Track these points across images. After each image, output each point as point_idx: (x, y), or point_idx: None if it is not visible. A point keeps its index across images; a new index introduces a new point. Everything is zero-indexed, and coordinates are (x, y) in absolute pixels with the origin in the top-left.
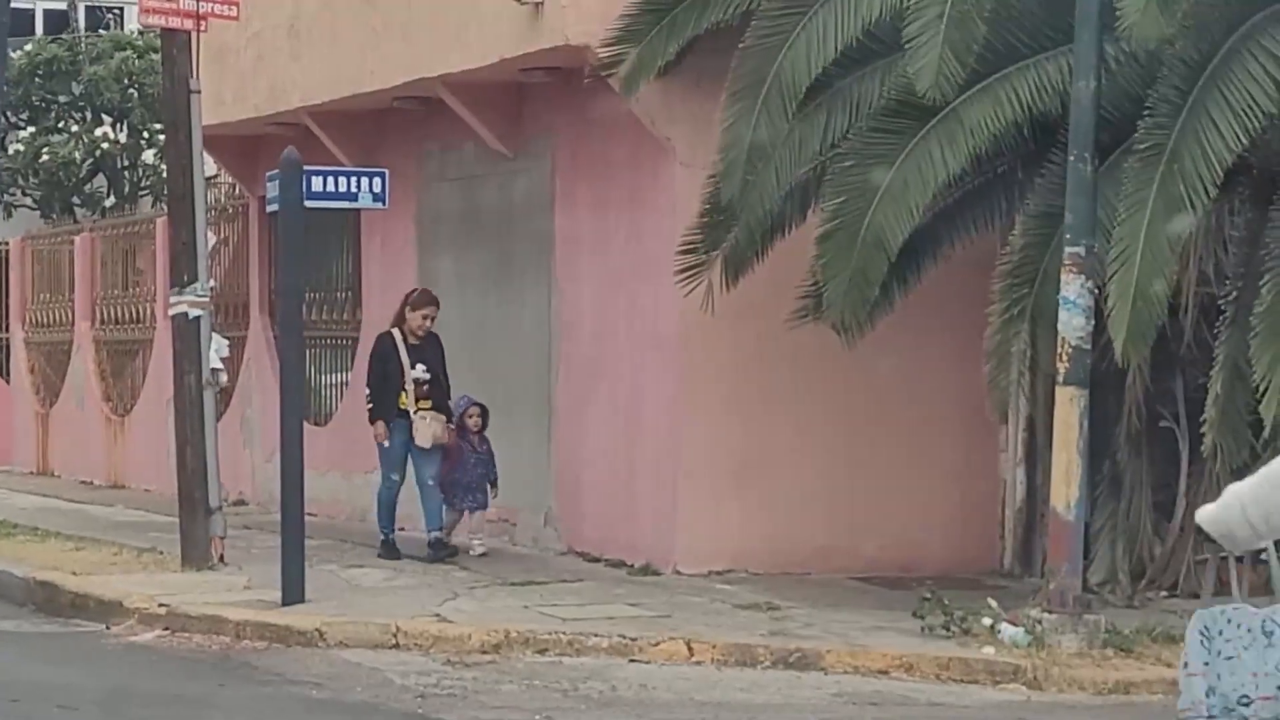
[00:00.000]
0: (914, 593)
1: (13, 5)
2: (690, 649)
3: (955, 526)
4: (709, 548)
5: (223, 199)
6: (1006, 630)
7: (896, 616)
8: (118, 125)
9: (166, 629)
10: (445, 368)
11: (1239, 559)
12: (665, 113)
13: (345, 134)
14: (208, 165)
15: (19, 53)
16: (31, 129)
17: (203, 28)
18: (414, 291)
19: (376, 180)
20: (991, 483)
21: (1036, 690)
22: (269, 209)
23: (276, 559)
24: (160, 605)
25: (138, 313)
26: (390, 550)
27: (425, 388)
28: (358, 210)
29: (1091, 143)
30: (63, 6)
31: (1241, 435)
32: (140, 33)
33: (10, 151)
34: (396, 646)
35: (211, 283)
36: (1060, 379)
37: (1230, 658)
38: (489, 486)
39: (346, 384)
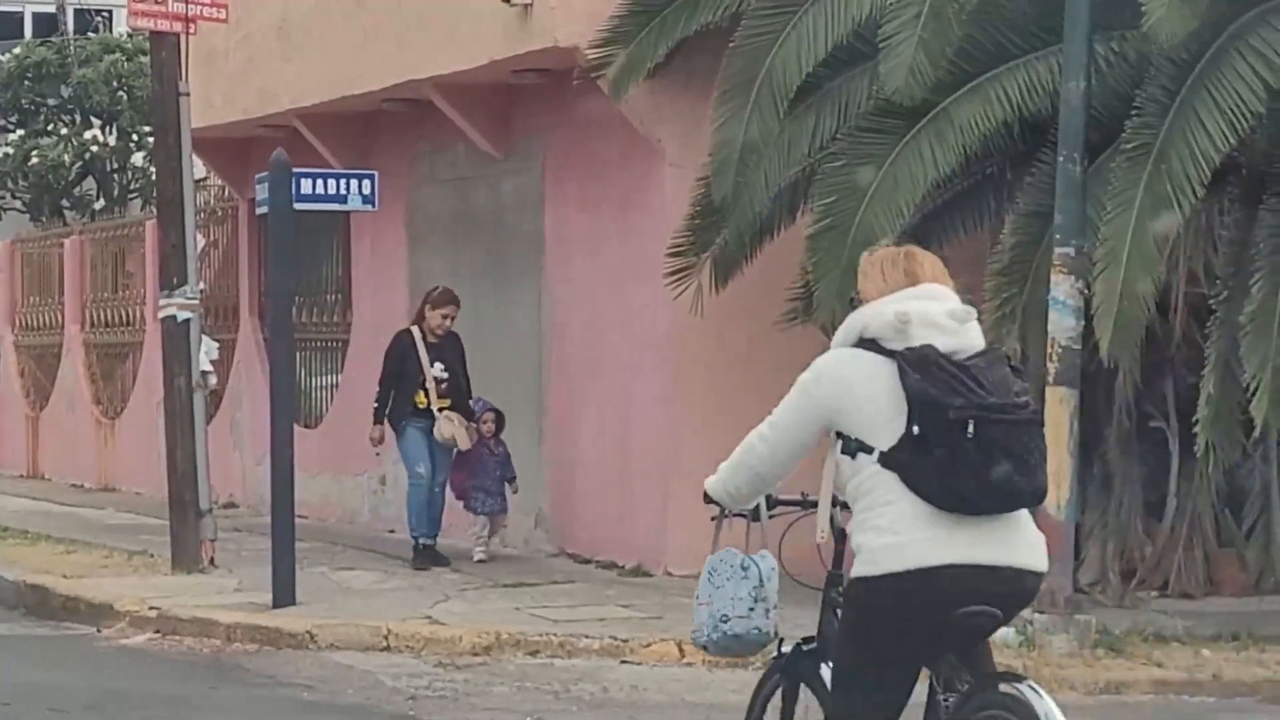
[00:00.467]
0: None
1: (1, 9)
2: (682, 650)
3: None
4: (700, 549)
5: (212, 201)
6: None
7: None
8: (107, 128)
9: (157, 632)
10: (465, 368)
11: (728, 516)
12: (655, 114)
13: (335, 136)
14: (197, 168)
15: (7, 55)
16: (20, 132)
17: (192, 30)
18: (435, 289)
19: (366, 182)
20: None
21: None
22: (258, 211)
23: (267, 561)
24: (151, 608)
25: (127, 315)
26: (425, 557)
27: (444, 386)
28: (347, 212)
29: (1081, 143)
30: (51, 9)
31: (1233, 435)
32: (129, 35)
33: None
34: (388, 648)
35: (201, 285)
36: (1050, 379)
37: (720, 587)
38: (507, 485)
39: (337, 386)
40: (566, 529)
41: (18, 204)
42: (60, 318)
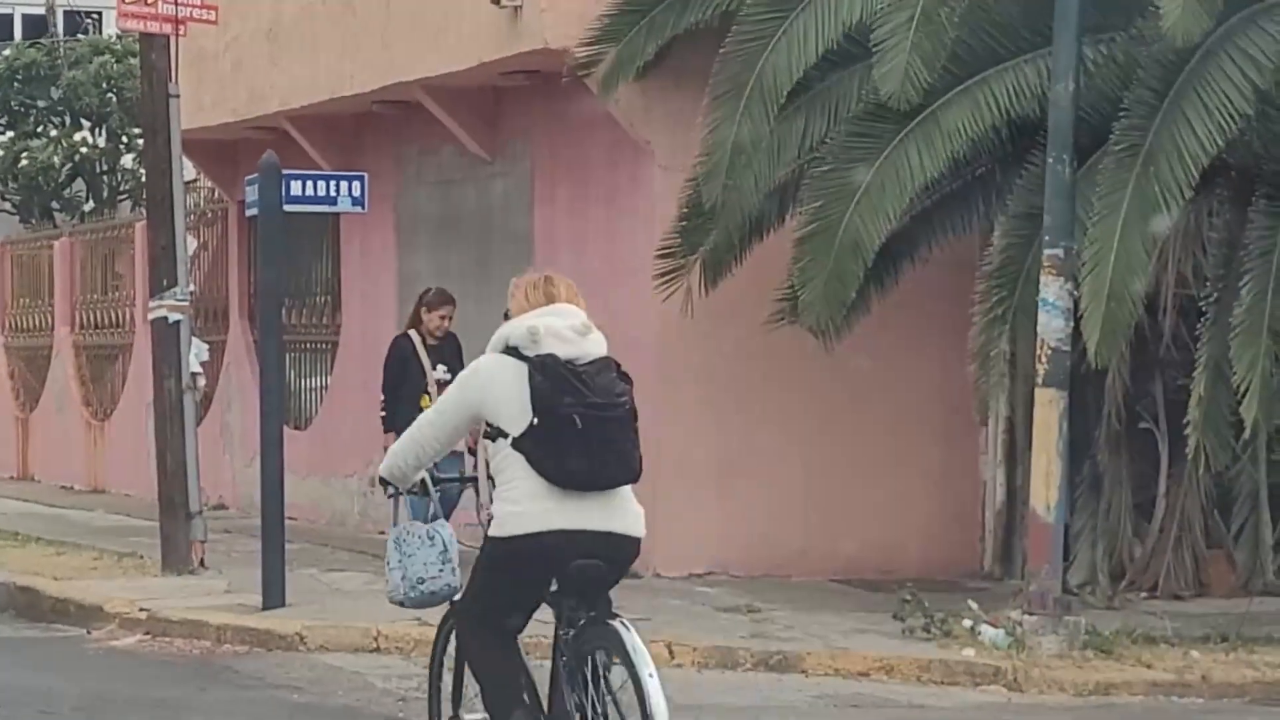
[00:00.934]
0: (894, 595)
1: None
2: (671, 652)
3: (935, 528)
4: (689, 551)
5: (202, 203)
6: (987, 632)
7: (877, 618)
8: (96, 130)
9: (147, 633)
10: (465, 367)
11: (403, 494)
12: (643, 115)
13: (324, 138)
14: (187, 169)
15: None
16: (10, 134)
17: (182, 32)
18: (428, 291)
19: (355, 184)
20: (972, 484)
21: (1017, 692)
22: (248, 213)
23: (257, 563)
24: (141, 610)
25: (117, 317)
26: None
27: (445, 389)
28: (337, 214)
29: (1070, 145)
30: (41, 11)
31: (1224, 436)
32: (119, 37)
33: None
34: (377, 650)
35: (191, 287)
36: (1039, 381)
37: (411, 555)
38: None
39: (326, 388)
40: None
41: (7, 206)
42: (50, 319)
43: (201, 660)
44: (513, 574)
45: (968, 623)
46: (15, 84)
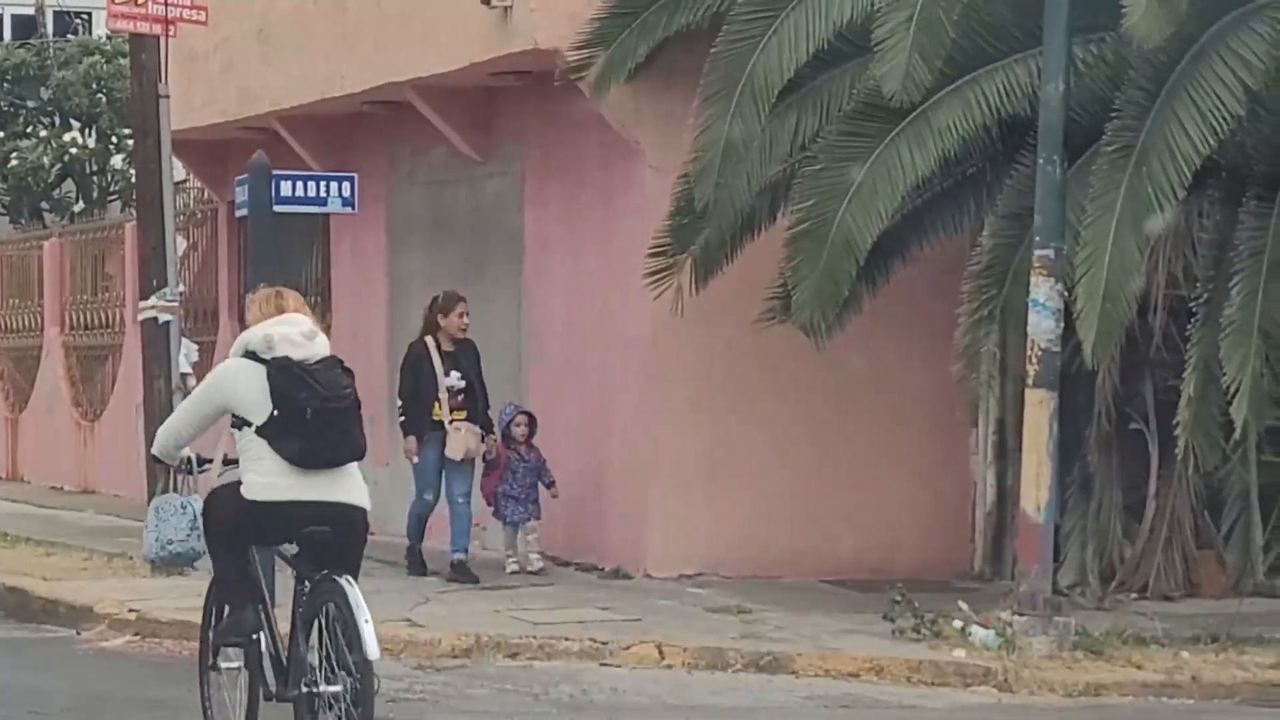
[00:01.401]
0: (885, 595)
1: None
2: (661, 652)
3: (926, 528)
4: (680, 551)
5: (192, 204)
6: (977, 633)
7: (867, 619)
8: (86, 130)
9: (137, 634)
10: (481, 375)
11: (185, 470)
12: (634, 115)
13: (314, 138)
14: (177, 170)
15: None
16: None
17: (172, 33)
18: (438, 297)
19: (346, 185)
20: (962, 484)
21: (1007, 692)
22: (238, 213)
23: None
24: (131, 610)
25: (107, 318)
26: (416, 562)
27: (460, 397)
28: (327, 215)
29: (1061, 145)
30: (30, 11)
31: (1213, 437)
32: (109, 38)
33: None
34: None
35: (181, 287)
36: (1030, 381)
37: (165, 520)
38: (546, 488)
39: None
40: (546, 531)
41: None
42: (40, 320)
43: (191, 661)
44: (255, 528)
45: (958, 623)
46: (4, 84)
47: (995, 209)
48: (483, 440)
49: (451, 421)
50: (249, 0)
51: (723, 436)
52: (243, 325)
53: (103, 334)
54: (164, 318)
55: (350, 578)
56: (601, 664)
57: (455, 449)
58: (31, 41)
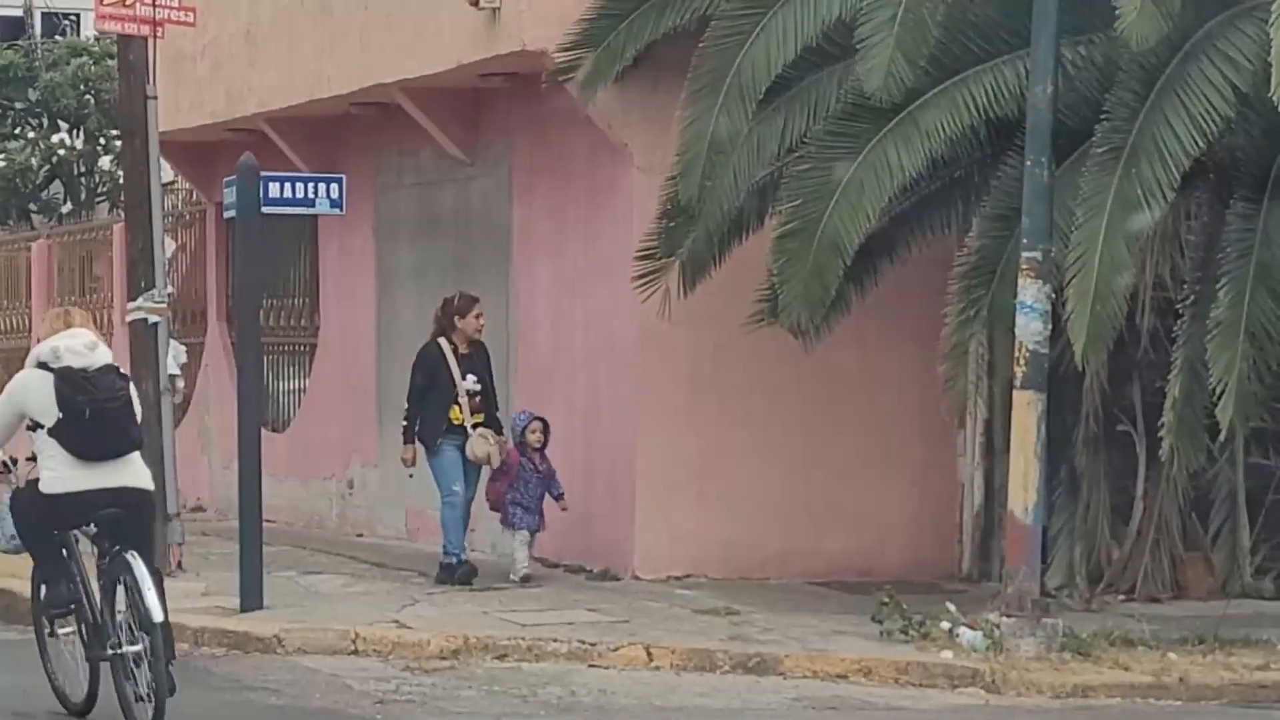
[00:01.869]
0: (873, 597)
1: None
2: (649, 654)
3: (914, 530)
4: (668, 553)
5: (180, 205)
6: (965, 634)
7: (855, 621)
8: (74, 132)
9: None
10: (493, 378)
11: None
12: (622, 118)
13: (302, 140)
14: (165, 171)
15: None
16: None
17: (160, 34)
18: (452, 299)
19: (334, 186)
20: (950, 486)
21: (994, 694)
22: (226, 215)
23: (234, 565)
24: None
25: (95, 319)
26: (453, 573)
27: (477, 400)
28: (315, 216)
29: (1049, 147)
30: (19, 13)
31: (1198, 439)
32: (97, 39)
33: None
34: (355, 653)
35: (169, 289)
36: (1017, 383)
37: (2, 518)
38: (555, 499)
39: (304, 390)
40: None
41: None
42: (28, 321)
43: (179, 663)
44: (54, 516)
45: (946, 625)
46: None
47: (983, 210)
48: (499, 445)
49: (475, 426)
50: (236, 1)
51: (711, 438)
52: (231, 326)
53: None
54: (152, 319)
55: (136, 552)
56: (590, 665)
57: (477, 453)
58: (19, 43)
